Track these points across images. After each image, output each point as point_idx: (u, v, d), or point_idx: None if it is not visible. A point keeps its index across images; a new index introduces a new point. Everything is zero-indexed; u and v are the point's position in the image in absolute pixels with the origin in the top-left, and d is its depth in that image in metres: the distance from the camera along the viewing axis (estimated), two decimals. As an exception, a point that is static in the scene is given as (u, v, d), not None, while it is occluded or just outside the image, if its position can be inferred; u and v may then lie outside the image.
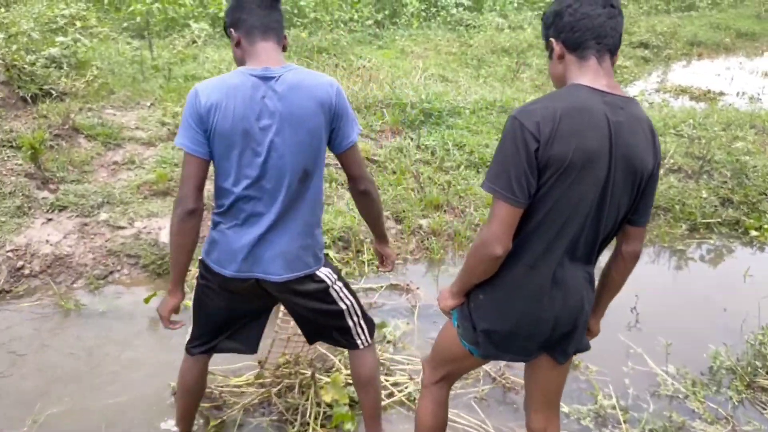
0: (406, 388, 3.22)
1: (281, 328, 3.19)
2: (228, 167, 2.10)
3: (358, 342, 2.52)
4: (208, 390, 3.12)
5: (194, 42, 8.80)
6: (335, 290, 2.39)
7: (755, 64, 12.18)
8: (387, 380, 3.26)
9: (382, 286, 4.28)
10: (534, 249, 1.84)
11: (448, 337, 2.21)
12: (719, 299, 4.24)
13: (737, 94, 11.92)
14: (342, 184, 5.31)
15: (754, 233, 5.16)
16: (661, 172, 5.87)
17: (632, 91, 10.44)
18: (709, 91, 11.80)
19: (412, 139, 6.31)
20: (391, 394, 3.18)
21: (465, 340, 2.06)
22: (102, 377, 3.28)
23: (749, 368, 3.37)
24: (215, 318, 2.42)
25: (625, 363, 3.55)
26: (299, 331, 3.14)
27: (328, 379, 3.11)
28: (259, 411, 3.09)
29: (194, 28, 8.96)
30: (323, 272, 2.36)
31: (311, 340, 2.63)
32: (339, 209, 4.85)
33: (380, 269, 2.85)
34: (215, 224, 2.23)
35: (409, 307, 4.07)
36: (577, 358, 3.51)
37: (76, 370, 3.32)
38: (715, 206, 5.45)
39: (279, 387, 3.11)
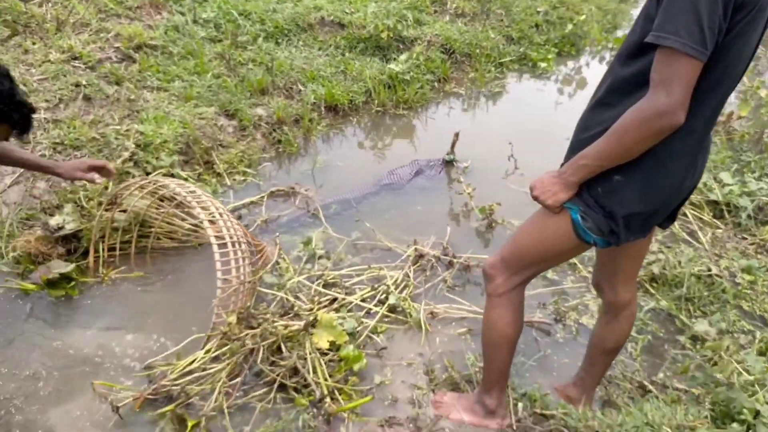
0: (382, 301, 2.82)
1: (225, 282, 2.42)
2: None
3: None
4: (163, 389, 2.29)
5: None
6: None
7: None
8: (354, 301, 2.80)
9: (263, 197, 3.57)
10: (702, 112, 1.59)
11: (545, 234, 1.88)
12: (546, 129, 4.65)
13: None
14: (134, 80, 4.09)
15: (542, 65, 5.68)
16: (447, 17, 5.94)
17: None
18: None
19: (182, 13, 5.12)
20: (368, 312, 2.77)
21: (592, 231, 1.78)
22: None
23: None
24: None
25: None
26: (244, 279, 2.48)
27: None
28: (241, 390, 2.39)
29: None
30: None
31: None
32: (156, 116, 3.74)
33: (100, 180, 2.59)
34: None
35: (308, 212, 3.50)
36: (499, 218, 3.52)
37: None
38: (503, 44, 5.78)
39: (255, 353, 2.42)
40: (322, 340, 2.46)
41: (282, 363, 2.39)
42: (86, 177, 2.51)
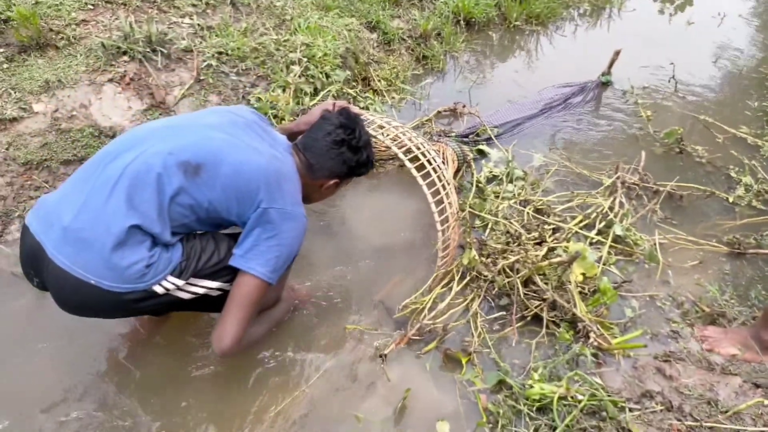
0: (601, 231, 2.67)
1: (443, 223, 2.20)
2: None
3: None
4: (425, 329, 2.16)
5: None
6: None
7: None
8: (575, 230, 2.65)
9: (429, 118, 3.33)
10: None
11: None
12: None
13: None
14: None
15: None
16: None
17: None
18: None
19: None
20: (590, 243, 2.63)
21: None
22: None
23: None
24: None
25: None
26: (457, 212, 2.35)
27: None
28: (497, 323, 2.28)
29: None
30: None
31: None
32: (309, 26, 3.42)
33: None
34: None
35: (475, 131, 3.27)
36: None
37: None
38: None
39: (511, 287, 2.28)
40: (576, 272, 2.33)
41: (543, 297, 2.26)
42: None
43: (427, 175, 2.22)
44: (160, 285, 1.62)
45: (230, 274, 1.73)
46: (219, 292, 1.76)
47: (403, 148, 2.26)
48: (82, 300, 1.60)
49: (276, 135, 1.89)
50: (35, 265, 1.62)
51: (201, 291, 1.73)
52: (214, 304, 1.77)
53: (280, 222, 1.69)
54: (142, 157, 1.60)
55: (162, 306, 1.70)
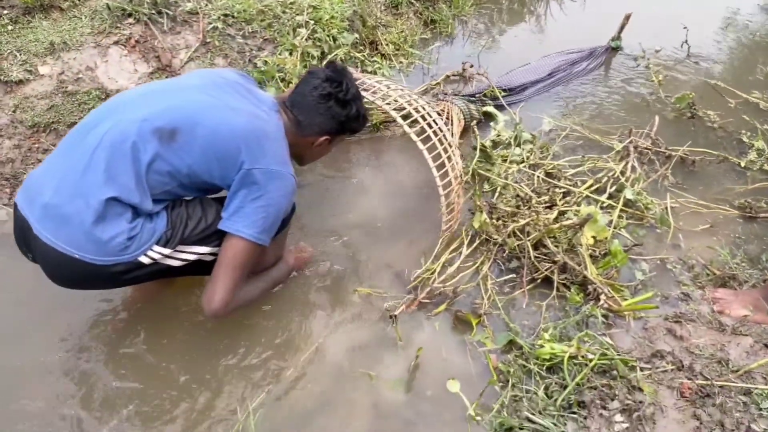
0: (612, 195, 2.65)
1: (445, 187, 2.19)
2: None
3: None
4: (435, 291, 2.17)
5: None
6: None
7: None
8: (586, 193, 2.63)
9: (438, 83, 3.29)
10: None
11: None
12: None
13: None
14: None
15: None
16: None
17: None
18: None
19: None
20: (601, 207, 2.61)
21: None
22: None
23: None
24: None
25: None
26: (460, 175, 2.34)
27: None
28: (507, 286, 2.28)
29: None
30: None
31: None
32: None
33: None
34: None
35: (482, 94, 3.22)
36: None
37: None
38: None
39: (521, 249, 2.28)
40: (586, 235, 2.32)
41: (554, 259, 2.26)
42: None
43: (428, 139, 2.20)
44: (146, 255, 1.62)
45: (221, 238, 1.71)
46: (212, 257, 1.75)
47: (403, 112, 2.24)
48: (69, 274, 1.62)
49: (261, 94, 1.84)
50: (26, 240, 1.63)
51: (192, 257, 1.73)
52: (210, 267, 1.76)
53: (265, 182, 1.66)
54: (119, 126, 1.59)
55: (153, 275, 1.70)
